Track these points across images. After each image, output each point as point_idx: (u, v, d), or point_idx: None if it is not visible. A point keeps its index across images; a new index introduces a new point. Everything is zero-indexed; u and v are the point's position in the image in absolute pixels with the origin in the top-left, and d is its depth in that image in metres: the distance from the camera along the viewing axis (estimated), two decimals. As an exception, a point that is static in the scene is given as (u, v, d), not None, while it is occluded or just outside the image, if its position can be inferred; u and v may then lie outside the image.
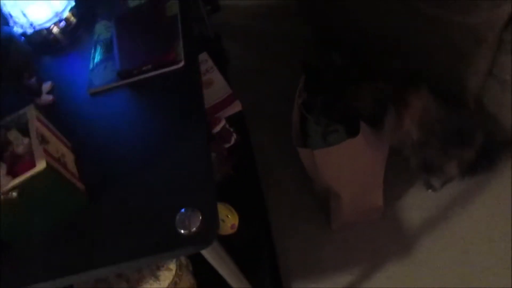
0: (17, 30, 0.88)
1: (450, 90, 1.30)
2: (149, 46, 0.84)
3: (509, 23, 1.08)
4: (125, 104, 0.80)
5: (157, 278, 0.87)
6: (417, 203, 1.35)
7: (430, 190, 1.36)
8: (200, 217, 0.59)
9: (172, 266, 0.89)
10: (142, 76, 0.81)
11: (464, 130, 1.17)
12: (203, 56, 1.45)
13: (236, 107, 1.34)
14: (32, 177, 0.56)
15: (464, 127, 1.17)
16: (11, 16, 0.87)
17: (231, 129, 1.26)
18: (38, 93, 0.80)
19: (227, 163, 1.24)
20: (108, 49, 0.88)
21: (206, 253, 0.63)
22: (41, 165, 0.56)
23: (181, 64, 0.80)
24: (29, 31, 0.88)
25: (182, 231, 0.58)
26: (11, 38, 0.71)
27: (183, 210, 0.60)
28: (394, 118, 1.10)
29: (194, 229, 0.58)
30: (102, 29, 0.93)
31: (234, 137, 1.24)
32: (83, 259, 0.60)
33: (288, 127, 1.27)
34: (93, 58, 0.87)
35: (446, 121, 1.13)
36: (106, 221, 0.64)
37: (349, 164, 1.23)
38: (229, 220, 1.05)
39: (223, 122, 1.20)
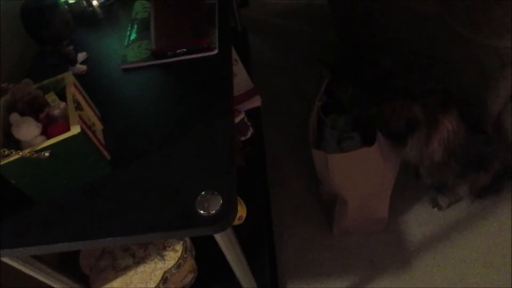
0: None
1: (472, 113, 1.31)
2: (185, 30, 0.85)
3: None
4: (155, 83, 0.81)
5: (162, 257, 0.89)
6: (421, 220, 1.35)
7: (436, 208, 1.37)
8: (221, 201, 0.60)
9: (178, 247, 0.91)
10: (175, 59, 0.83)
11: (484, 155, 1.18)
12: (229, 48, 1.46)
13: (256, 102, 1.36)
14: (65, 140, 0.57)
15: (484, 152, 1.18)
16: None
17: (249, 123, 1.28)
18: (74, 61, 0.82)
19: (240, 155, 1.26)
20: (144, 28, 0.90)
21: (219, 236, 0.65)
22: (75, 130, 0.58)
23: (215, 51, 0.82)
24: (71, 1, 0.90)
25: (202, 212, 0.59)
26: (57, 4, 0.73)
27: (203, 192, 0.62)
28: (421, 137, 1.11)
29: (213, 211, 0.59)
30: (140, 8, 0.95)
31: (250, 131, 1.26)
32: (99, 226, 0.62)
33: (301, 126, 1.28)
34: (129, 35, 0.89)
35: (469, 144, 1.14)
36: (127, 192, 0.65)
37: (360, 172, 1.24)
38: (237, 211, 1.07)
39: (242, 115, 1.22)
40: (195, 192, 0.62)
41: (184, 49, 0.82)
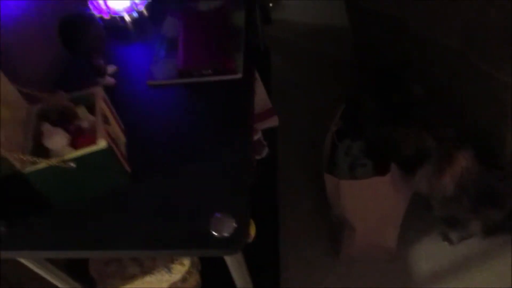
0: (95, 12, 0.95)
1: (488, 149, 1.31)
2: (212, 52, 0.88)
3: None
4: (179, 101, 0.84)
5: (169, 270, 0.91)
6: (430, 252, 1.34)
7: (446, 243, 1.36)
8: (234, 224, 0.62)
9: (186, 262, 0.92)
10: (200, 79, 0.85)
11: (498, 192, 1.18)
12: (251, 67, 1.49)
13: (273, 122, 1.38)
14: (92, 153, 0.60)
15: (498, 189, 1.18)
16: (93, 1, 0.93)
17: (265, 142, 1.29)
18: (103, 73, 0.85)
19: (254, 175, 1.27)
20: (172, 46, 0.93)
21: (229, 258, 0.66)
22: (102, 144, 0.61)
23: (239, 75, 0.84)
24: (105, 15, 0.94)
25: (215, 234, 0.61)
26: (92, 20, 0.77)
27: (217, 213, 0.63)
28: (431, 169, 1.12)
29: (226, 234, 0.61)
30: (170, 26, 0.99)
31: (266, 151, 1.28)
32: (113, 237, 0.64)
33: (315, 148, 1.29)
34: (157, 52, 0.93)
35: (482, 180, 1.14)
36: (142, 206, 0.68)
37: (371, 201, 1.24)
38: (246, 229, 1.08)
39: (259, 134, 1.24)
40: (209, 212, 0.64)
41: (209, 70, 0.85)
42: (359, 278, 1.32)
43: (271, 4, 2.60)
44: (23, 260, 0.73)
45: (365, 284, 1.31)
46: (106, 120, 0.66)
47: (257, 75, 1.51)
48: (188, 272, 0.93)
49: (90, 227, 0.66)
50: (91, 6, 0.94)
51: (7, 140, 0.59)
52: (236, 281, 0.74)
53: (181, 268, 0.91)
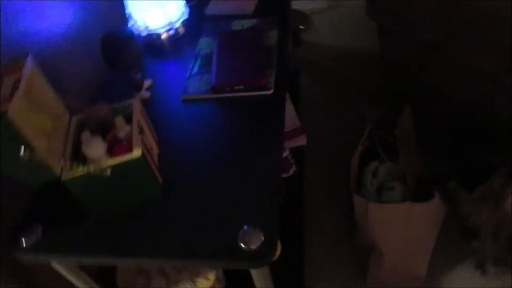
0: (133, 29, 0.99)
1: None
2: (244, 68, 0.90)
3: None
4: (212, 115, 0.86)
5: (194, 283, 0.91)
6: (463, 283, 1.29)
7: (478, 273, 1.30)
8: (262, 238, 0.62)
9: (211, 276, 0.92)
10: (232, 94, 0.87)
11: None
12: (281, 86, 1.51)
13: (301, 141, 1.38)
14: (127, 162, 0.62)
15: None
16: (131, 17, 0.98)
17: (292, 161, 1.29)
18: (140, 88, 0.89)
19: (281, 193, 1.27)
20: (206, 63, 0.96)
21: (256, 271, 0.66)
22: (137, 153, 0.62)
23: (270, 91, 0.86)
24: (143, 32, 0.99)
25: (243, 246, 0.61)
26: (132, 37, 0.80)
27: (245, 226, 0.63)
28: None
29: (253, 247, 0.61)
30: (205, 44, 1.02)
31: (293, 169, 1.28)
32: (142, 245, 0.65)
33: (342, 170, 1.28)
34: (192, 68, 0.96)
35: None
36: (173, 216, 0.69)
37: (401, 226, 1.21)
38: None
39: (286, 152, 1.24)
40: (237, 225, 0.64)
41: (242, 87, 0.87)
42: None
43: (301, 27, 2.64)
44: (56, 266, 0.75)
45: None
46: (142, 131, 0.68)
47: (286, 94, 1.52)
48: (213, 287, 0.92)
49: (122, 235, 0.68)
50: (131, 23, 0.99)
51: (49, 148, 0.62)
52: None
53: (206, 282, 0.91)
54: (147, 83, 0.93)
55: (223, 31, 1.03)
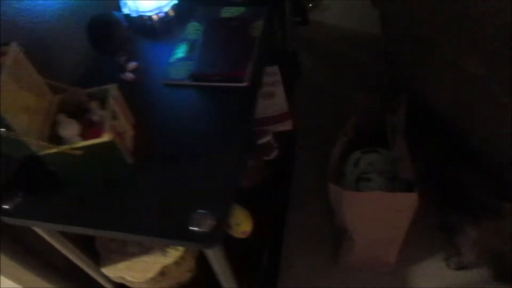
0: (125, 11, 1.04)
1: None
2: (225, 60, 0.95)
3: None
4: (189, 102, 0.92)
5: (164, 253, 0.99)
6: (430, 273, 1.35)
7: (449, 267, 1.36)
8: (212, 222, 0.69)
9: (181, 248, 1.00)
10: (211, 83, 0.92)
11: None
12: (273, 69, 1.54)
13: (287, 126, 1.42)
14: (96, 144, 0.69)
15: None
16: (122, 0, 1.02)
17: (275, 144, 1.35)
18: (124, 70, 0.94)
19: (262, 174, 1.33)
20: (191, 49, 1.01)
21: (211, 253, 0.73)
22: (106, 137, 0.69)
23: (245, 83, 0.90)
24: (134, 14, 1.03)
25: (193, 228, 0.68)
26: (119, 22, 0.85)
27: (201, 210, 0.70)
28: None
29: (204, 229, 0.68)
30: (192, 29, 1.06)
31: (275, 153, 1.33)
32: (109, 219, 0.73)
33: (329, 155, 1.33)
34: (176, 53, 1.00)
35: None
36: (139, 195, 0.76)
37: (371, 215, 1.27)
38: (243, 225, 1.15)
39: (268, 137, 1.29)
40: (193, 208, 0.71)
41: (220, 77, 0.91)
42: (356, 286, 1.35)
43: (310, 5, 2.61)
44: (37, 230, 0.84)
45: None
46: (115, 116, 0.74)
47: (279, 77, 1.55)
48: (182, 258, 1.01)
49: (91, 208, 0.76)
50: (121, 5, 1.03)
51: (29, 125, 0.69)
52: (216, 273, 0.81)
53: (175, 253, 1.00)
54: (133, 65, 0.98)
55: (211, 18, 1.06)
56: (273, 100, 1.50)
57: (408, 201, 1.21)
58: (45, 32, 0.92)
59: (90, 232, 0.73)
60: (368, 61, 2.06)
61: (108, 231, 0.72)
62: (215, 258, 0.75)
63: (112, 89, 0.76)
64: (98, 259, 1.02)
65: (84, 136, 0.71)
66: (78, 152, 0.69)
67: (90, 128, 0.72)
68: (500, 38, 1.10)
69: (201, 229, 0.68)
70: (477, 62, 1.21)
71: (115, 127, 0.73)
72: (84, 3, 1.01)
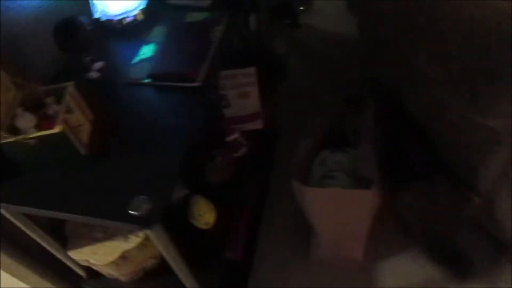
0: (96, 15, 1.13)
1: (465, 180, 1.35)
2: (181, 60, 1.03)
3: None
4: (147, 100, 1.00)
5: (126, 239, 1.08)
6: (399, 272, 1.39)
7: (417, 266, 1.40)
8: (150, 207, 0.77)
9: (141, 234, 1.09)
10: (167, 83, 1.00)
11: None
12: (250, 71, 1.61)
13: (257, 125, 1.50)
14: (48, 135, 0.77)
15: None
16: (93, 3, 1.11)
17: (244, 142, 1.42)
18: (89, 69, 1.03)
19: (231, 170, 1.40)
20: (153, 51, 1.09)
21: (151, 234, 0.81)
22: (56, 129, 0.78)
23: (197, 83, 0.98)
24: (103, 18, 1.12)
25: (132, 212, 0.76)
26: (81, 25, 0.94)
27: (141, 196, 0.78)
28: None
29: (141, 213, 0.76)
30: (158, 32, 1.14)
31: (243, 150, 1.40)
32: (63, 202, 0.82)
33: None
34: (139, 55, 1.09)
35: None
36: (90, 181, 0.85)
37: (332, 210, 1.33)
38: (205, 216, 1.23)
39: (236, 134, 1.37)
40: (135, 194, 0.79)
41: (174, 77, 0.99)
42: (326, 281, 1.40)
43: (302, 8, 2.66)
44: (4, 213, 0.93)
45: (329, 288, 1.38)
46: (69, 110, 0.83)
47: (255, 79, 1.63)
48: (143, 244, 1.09)
49: (47, 193, 0.84)
50: (92, 9, 1.12)
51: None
52: (165, 257, 0.89)
53: (135, 239, 1.08)
54: (99, 64, 1.07)
55: (175, 22, 1.15)
56: (247, 100, 1.57)
57: (365, 198, 1.27)
58: (21, 32, 1.01)
59: (44, 213, 0.82)
60: (353, 65, 2.11)
61: (59, 213, 0.81)
62: (157, 239, 0.83)
63: (69, 87, 0.85)
64: (66, 244, 1.11)
65: (39, 128, 0.80)
66: (32, 141, 0.78)
67: (45, 121, 0.80)
68: (454, 43, 1.15)
69: (138, 213, 0.76)
70: (436, 67, 1.26)
71: (68, 121, 0.81)
72: (58, 6, 1.10)
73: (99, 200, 0.81)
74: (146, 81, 1.01)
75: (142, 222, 0.76)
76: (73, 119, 0.84)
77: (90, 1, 1.11)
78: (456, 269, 1.35)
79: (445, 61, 1.19)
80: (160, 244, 0.85)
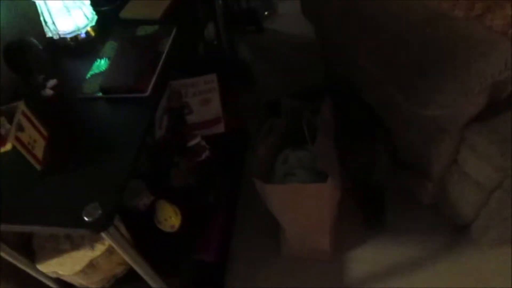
0: (48, 34, 1.17)
1: (418, 166, 1.43)
2: (130, 72, 1.08)
3: (473, 122, 1.18)
4: (98, 112, 1.05)
5: (92, 247, 1.12)
6: (366, 258, 1.48)
7: (381, 250, 1.50)
8: (101, 212, 0.81)
9: (107, 242, 1.13)
10: (117, 95, 1.05)
11: None
12: (211, 77, 1.68)
13: (219, 129, 1.55)
14: (1, 153, 0.82)
15: None
16: (45, 22, 1.15)
17: (207, 146, 1.47)
18: (42, 87, 1.08)
19: (195, 174, 1.46)
20: (105, 65, 1.14)
21: (105, 236, 0.86)
22: (8, 146, 0.82)
23: (146, 94, 1.03)
24: (56, 37, 1.17)
25: (85, 218, 0.81)
26: (31, 44, 0.98)
27: (92, 203, 0.83)
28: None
29: (92, 219, 0.81)
30: (109, 47, 1.19)
31: (206, 154, 1.46)
32: (20, 215, 0.86)
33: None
34: (92, 70, 1.13)
35: None
36: (45, 192, 0.89)
37: (293, 205, 1.39)
38: (171, 220, 1.28)
39: (197, 139, 1.42)
40: (86, 201, 0.83)
41: (123, 89, 1.04)
42: (299, 274, 1.47)
43: (266, 13, 2.74)
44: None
45: (304, 281, 1.45)
46: (20, 128, 0.87)
47: (216, 85, 1.69)
48: (109, 251, 1.13)
49: (4, 207, 0.88)
50: (45, 29, 1.16)
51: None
52: (124, 256, 0.94)
53: (101, 247, 1.12)
54: (53, 82, 1.11)
55: (126, 37, 1.20)
56: (208, 106, 1.63)
57: (322, 191, 1.33)
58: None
59: (4, 228, 0.86)
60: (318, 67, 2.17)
61: (18, 226, 0.85)
62: (113, 241, 0.88)
63: (20, 106, 0.90)
64: (34, 258, 1.15)
65: (-8, 146, 0.84)
66: (-16, 160, 0.82)
67: (-3, 140, 0.85)
68: (393, 44, 1.22)
69: (91, 218, 0.81)
70: (374, 64, 1.33)
71: (20, 138, 0.85)
72: (8, 27, 1.13)
73: (56, 210, 0.85)
74: (98, 95, 1.06)
75: (95, 226, 0.81)
76: (25, 136, 0.88)
77: (41, 20, 1.15)
78: (371, 218, 1.52)
79: (384, 59, 1.26)
80: (117, 246, 0.90)
